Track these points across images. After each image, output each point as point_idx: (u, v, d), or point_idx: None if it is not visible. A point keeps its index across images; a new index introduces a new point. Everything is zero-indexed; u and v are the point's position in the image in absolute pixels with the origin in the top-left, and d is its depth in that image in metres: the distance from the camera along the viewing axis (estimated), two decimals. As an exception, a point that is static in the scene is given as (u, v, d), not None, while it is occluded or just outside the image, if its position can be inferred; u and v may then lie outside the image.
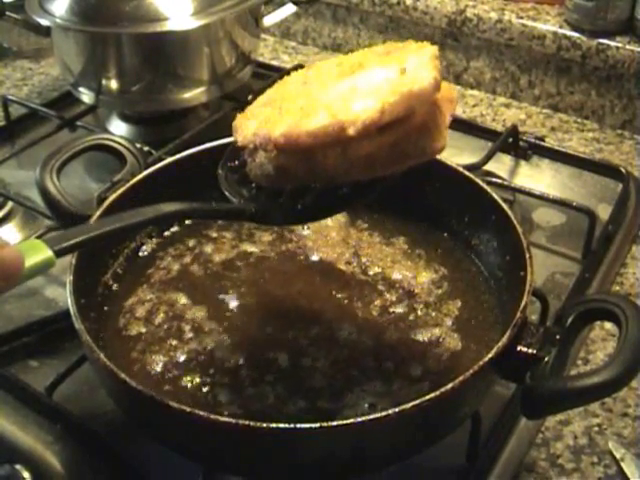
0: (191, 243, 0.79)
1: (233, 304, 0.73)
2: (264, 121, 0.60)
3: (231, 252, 0.78)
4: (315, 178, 0.59)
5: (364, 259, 0.77)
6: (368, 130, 0.55)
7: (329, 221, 0.80)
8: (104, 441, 0.68)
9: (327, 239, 0.79)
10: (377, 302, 0.73)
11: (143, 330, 0.70)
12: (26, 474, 0.65)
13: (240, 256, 0.78)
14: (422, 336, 0.69)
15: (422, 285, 0.74)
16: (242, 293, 0.74)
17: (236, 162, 0.66)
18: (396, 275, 0.75)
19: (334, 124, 0.55)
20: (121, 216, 0.60)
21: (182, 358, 0.67)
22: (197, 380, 0.65)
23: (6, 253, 0.50)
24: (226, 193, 0.65)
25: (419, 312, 0.71)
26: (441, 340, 0.69)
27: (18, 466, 0.66)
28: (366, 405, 0.63)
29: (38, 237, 0.89)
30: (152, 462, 0.66)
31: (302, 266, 0.77)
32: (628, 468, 0.69)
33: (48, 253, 0.52)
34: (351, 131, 0.55)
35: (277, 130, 0.57)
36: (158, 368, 0.66)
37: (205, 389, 0.65)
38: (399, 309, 0.72)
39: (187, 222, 0.80)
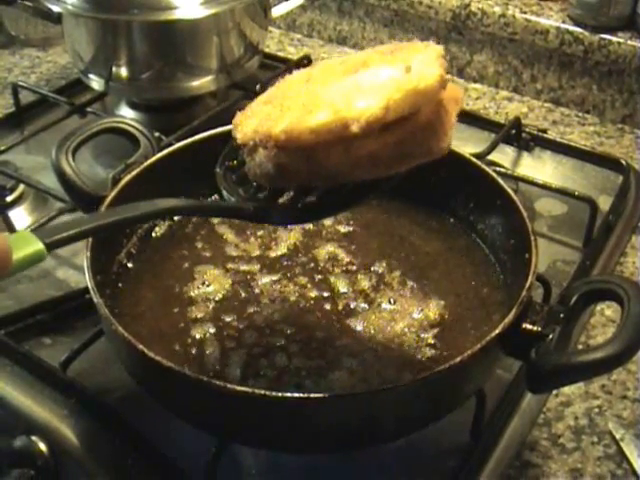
0: (203, 229, 0.81)
1: (245, 291, 0.74)
2: (265, 118, 0.59)
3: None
4: (316, 177, 0.58)
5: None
6: (372, 127, 0.54)
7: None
8: (118, 414, 0.69)
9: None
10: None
11: (157, 307, 0.71)
12: (42, 445, 0.67)
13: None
14: (428, 317, 0.71)
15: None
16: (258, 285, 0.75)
17: (235, 161, 0.65)
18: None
19: (337, 121, 0.54)
20: (116, 210, 0.59)
21: (196, 333, 0.69)
22: (212, 353, 0.67)
23: None
24: (224, 192, 0.64)
25: (425, 295, 0.73)
26: (447, 321, 0.71)
27: (34, 437, 0.68)
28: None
29: (50, 219, 0.91)
30: (165, 434, 0.68)
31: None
32: (627, 448, 0.71)
33: (39, 245, 0.51)
34: (354, 128, 0.53)
35: (278, 127, 0.56)
36: (172, 343, 0.68)
37: (219, 365, 0.66)
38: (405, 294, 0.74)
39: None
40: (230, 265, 0.76)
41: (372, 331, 0.69)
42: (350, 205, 0.64)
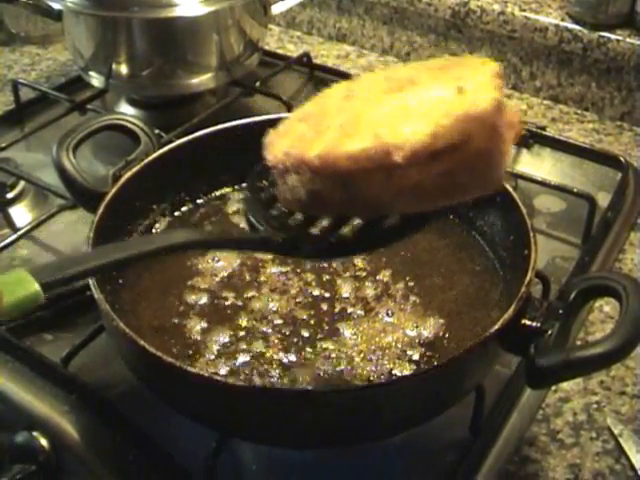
0: (204, 225, 0.81)
1: (250, 275, 0.75)
2: (298, 139, 0.54)
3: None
4: (353, 207, 0.54)
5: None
6: (417, 157, 0.49)
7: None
8: (118, 410, 0.70)
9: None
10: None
11: (157, 303, 0.72)
12: (43, 441, 0.68)
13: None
14: (422, 335, 0.70)
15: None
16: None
17: (264, 182, 0.60)
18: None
19: (378, 148, 0.49)
20: (129, 244, 0.56)
21: (196, 328, 0.69)
22: (198, 324, 0.69)
23: None
24: (251, 219, 0.59)
25: (425, 312, 0.72)
26: (446, 317, 0.71)
27: (35, 433, 0.68)
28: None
29: (51, 216, 0.92)
30: (166, 430, 0.68)
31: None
32: (626, 443, 0.71)
33: (34, 287, 0.46)
34: (398, 157, 0.49)
35: (312, 150, 0.51)
36: (172, 339, 0.68)
37: (201, 337, 0.68)
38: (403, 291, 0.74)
39: (199, 201, 0.82)
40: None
41: (358, 339, 0.69)
42: (390, 242, 0.59)
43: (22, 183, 0.98)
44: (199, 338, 0.68)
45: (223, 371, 0.65)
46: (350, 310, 0.72)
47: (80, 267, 0.50)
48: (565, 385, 0.76)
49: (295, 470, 0.68)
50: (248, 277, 0.74)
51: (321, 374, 0.65)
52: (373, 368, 0.66)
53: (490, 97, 0.50)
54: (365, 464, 0.68)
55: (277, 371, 0.65)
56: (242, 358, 0.66)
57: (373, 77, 0.58)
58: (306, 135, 0.54)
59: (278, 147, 0.55)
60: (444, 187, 0.52)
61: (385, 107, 0.53)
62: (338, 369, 0.65)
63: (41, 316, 0.80)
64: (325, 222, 0.57)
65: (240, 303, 0.72)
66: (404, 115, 0.51)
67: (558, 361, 0.58)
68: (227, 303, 0.72)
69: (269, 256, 0.77)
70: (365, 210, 0.54)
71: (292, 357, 0.67)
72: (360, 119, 0.52)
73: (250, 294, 0.73)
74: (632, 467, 0.69)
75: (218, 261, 0.76)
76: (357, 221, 0.56)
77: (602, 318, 0.83)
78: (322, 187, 0.52)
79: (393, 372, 0.65)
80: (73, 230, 0.91)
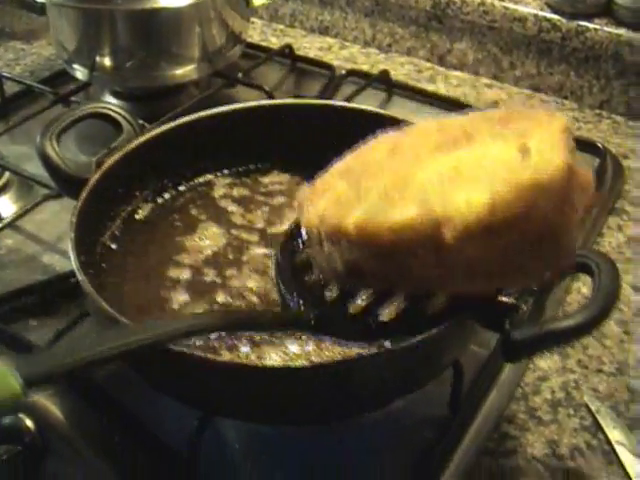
0: (190, 209, 0.82)
1: (234, 255, 0.76)
2: (335, 201, 0.48)
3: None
4: (396, 283, 0.49)
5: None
6: (470, 232, 0.43)
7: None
8: (103, 391, 0.71)
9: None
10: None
11: (140, 287, 0.72)
12: (29, 422, 0.68)
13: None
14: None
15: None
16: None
17: (299, 241, 0.56)
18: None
19: (425, 219, 0.43)
20: (134, 330, 0.49)
21: (176, 302, 0.71)
22: (180, 296, 0.70)
23: None
24: (282, 290, 0.55)
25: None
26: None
27: (21, 415, 0.69)
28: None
29: (35, 205, 0.92)
30: (151, 410, 0.70)
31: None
32: (603, 419, 0.72)
33: (14, 389, 0.40)
34: (448, 234, 0.43)
35: (350, 217, 0.46)
36: (154, 314, 0.69)
37: (179, 308, 0.69)
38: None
39: (181, 188, 0.83)
40: (233, 231, 0.78)
41: None
42: (434, 327, 0.53)
43: (7, 174, 0.99)
44: (176, 308, 0.69)
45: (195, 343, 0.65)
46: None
47: (74, 358, 0.45)
48: (543, 364, 0.78)
49: (277, 446, 0.69)
50: (232, 256, 0.75)
51: (288, 352, 0.65)
52: (340, 350, 0.66)
53: (559, 161, 0.43)
54: (344, 439, 0.69)
55: (246, 347, 0.65)
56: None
57: (424, 127, 0.51)
58: (345, 197, 0.48)
59: (313, 209, 0.50)
60: (502, 265, 0.45)
61: (435, 168, 0.46)
62: (305, 349, 0.65)
63: (26, 302, 0.81)
64: (365, 296, 0.52)
65: (220, 280, 0.72)
66: (457, 179, 0.44)
67: (532, 334, 0.59)
68: (207, 279, 0.72)
69: (255, 238, 0.77)
70: (409, 286, 0.49)
71: (264, 336, 0.67)
72: (406, 182, 0.46)
73: (230, 272, 0.73)
74: (608, 442, 0.70)
75: (205, 239, 0.77)
76: (400, 300, 0.51)
77: (579, 299, 0.85)
78: (360, 259, 0.47)
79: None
80: (57, 219, 0.92)
